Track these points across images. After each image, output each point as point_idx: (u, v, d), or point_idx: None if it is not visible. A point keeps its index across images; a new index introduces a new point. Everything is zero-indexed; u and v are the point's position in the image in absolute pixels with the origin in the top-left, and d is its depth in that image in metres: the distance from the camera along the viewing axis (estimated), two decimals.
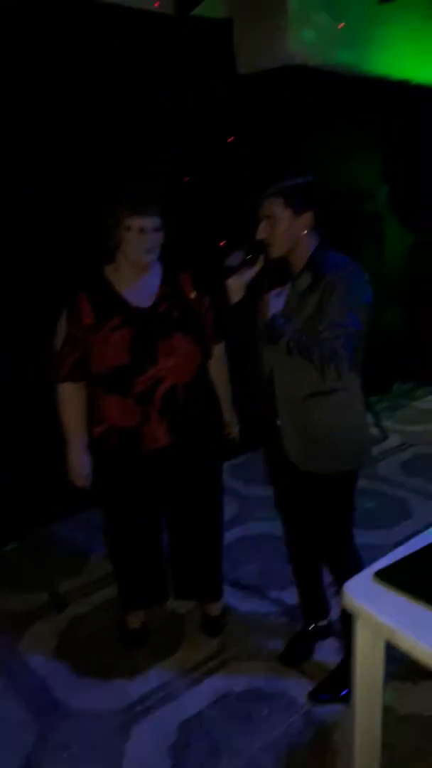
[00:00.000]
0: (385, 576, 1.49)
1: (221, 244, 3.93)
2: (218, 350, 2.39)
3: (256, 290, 1.97)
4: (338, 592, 2.15)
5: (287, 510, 2.32)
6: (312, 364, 1.79)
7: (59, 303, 2.19)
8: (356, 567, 2.13)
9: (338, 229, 4.55)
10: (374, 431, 4.42)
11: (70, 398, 2.23)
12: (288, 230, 1.92)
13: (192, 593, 2.61)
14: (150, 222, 2.06)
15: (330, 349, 1.77)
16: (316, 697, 2.17)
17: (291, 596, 2.67)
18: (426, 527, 3.31)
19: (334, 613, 2.44)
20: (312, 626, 2.42)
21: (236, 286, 1.92)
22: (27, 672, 2.44)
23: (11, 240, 3.16)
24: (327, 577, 2.41)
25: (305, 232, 1.95)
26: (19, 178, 3.11)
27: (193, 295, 2.00)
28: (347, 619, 2.03)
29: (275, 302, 1.89)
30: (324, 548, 2.25)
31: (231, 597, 2.74)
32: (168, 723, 2.13)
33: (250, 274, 1.92)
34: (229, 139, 4.01)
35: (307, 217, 1.94)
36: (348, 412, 2.03)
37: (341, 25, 3.80)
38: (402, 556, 1.58)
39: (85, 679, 2.37)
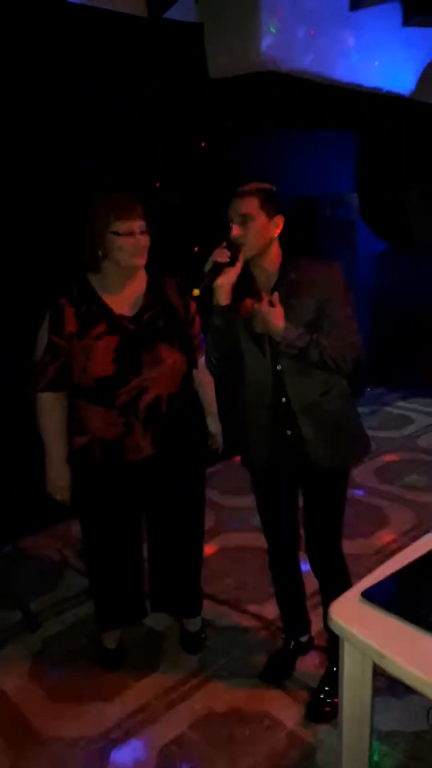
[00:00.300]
0: (372, 596, 1.45)
1: (195, 249, 3.89)
2: (204, 360, 2.34)
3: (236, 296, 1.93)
4: (326, 601, 2.12)
5: (280, 522, 2.26)
6: (329, 367, 1.87)
7: (44, 308, 2.13)
8: (346, 574, 2.18)
9: (310, 235, 4.57)
10: None
11: (51, 408, 2.16)
12: (262, 230, 1.89)
13: (170, 606, 2.55)
14: (138, 225, 2.02)
15: (350, 345, 1.88)
16: (313, 716, 2.14)
17: (270, 610, 2.64)
18: (402, 535, 3.35)
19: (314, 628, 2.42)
20: (293, 642, 2.38)
21: (226, 285, 1.86)
22: None
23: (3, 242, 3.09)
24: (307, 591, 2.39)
25: (276, 235, 1.94)
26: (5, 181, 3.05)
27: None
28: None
29: (276, 312, 1.84)
30: (320, 554, 2.22)
31: (209, 611, 2.69)
32: (148, 748, 2.06)
33: (234, 272, 1.87)
34: (201, 144, 3.98)
35: (279, 221, 1.93)
36: (350, 401, 2.10)
37: (312, 32, 3.80)
38: (387, 575, 1.54)
39: (60, 704, 2.29)
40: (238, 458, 2.25)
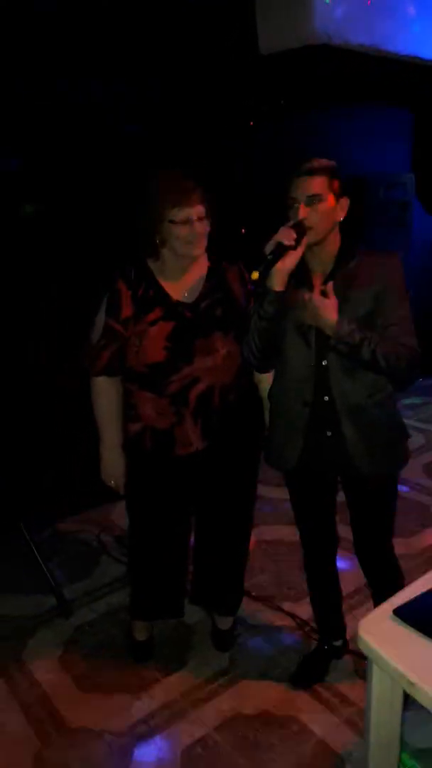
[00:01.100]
0: (405, 615, 1.35)
1: (242, 231, 3.79)
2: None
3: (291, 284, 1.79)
4: (377, 602, 1.98)
5: (315, 523, 2.17)
6: (379, 368, 1.74)
7: (94, 294, 2.09)
8: (398, 576, 2.10)
9: (359, 216, 4.39)
10: None
11: (105, 393, 2.12)
12: (330, 213, 1.76)
13: (209, 602, 2.49)
14: (195, 211, 1.93)
15: (406, 346, 1.75)
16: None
17: (305, 609, 2.55)
18: None
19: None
20: (326, 646, 2.29)
21: (285, 270, 1.72)
22: (30, 683, 2.35)
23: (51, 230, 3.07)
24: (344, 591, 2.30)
25: (340, 219, 1.81)
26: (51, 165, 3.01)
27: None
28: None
29: (328, 304, 1.72)
30: (369, 556, 2.13)
31: (242, 607, 2.61)
32: (172, 747, 2.02)
33: (296, 257, 1.72)
34: (250, 123, 3.85)
35: (344, 203, 1.80)
36: (395, 405, 1.96)
37: (369, 1, 3.58)
38: (424, 591, 1.43)
39: (88, 694, 2.28)
40: None
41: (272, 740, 2.02)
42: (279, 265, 1.71)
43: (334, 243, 1.83)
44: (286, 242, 1.69)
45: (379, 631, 1.32)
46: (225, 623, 2.48)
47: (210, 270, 2.09)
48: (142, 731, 2.10)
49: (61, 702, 2.25)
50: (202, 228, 1.95)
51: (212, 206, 1.98)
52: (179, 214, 1.91)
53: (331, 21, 3.37)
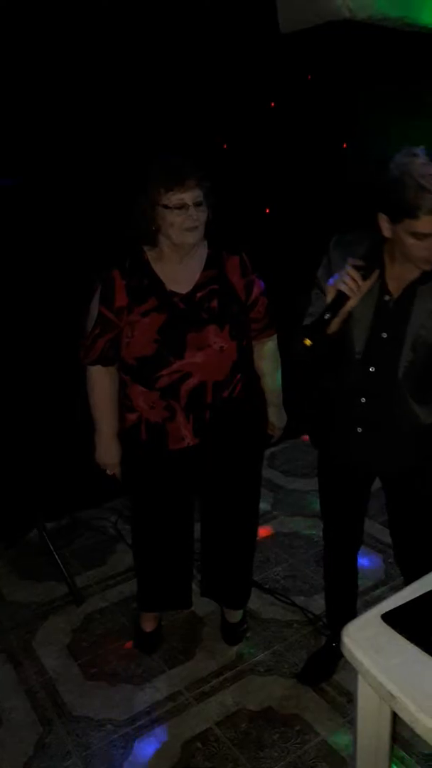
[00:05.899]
0: (394, 620, 1.28)
1: (267, 211, 3.69)
2: (270, 344, 2.18)
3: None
4: None
5: (348, 523, 2.09)
6: None
7: (90, 283, 2.03)
8: None
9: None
10: None
11: (101, 382, 2.08)
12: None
13: (216, 594, 2.46)
14: (190, 196, 1.85)
15: None
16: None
17: (318, 605, 2.50)
18: None
19: None
20: (335, 643, 2.23)
21: (344, 314, 1.62)
22: (37, 669, 2.37)
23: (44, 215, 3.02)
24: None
25: (386, 236, 1.64)
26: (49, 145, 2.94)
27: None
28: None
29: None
30: (413, 555, 2.02)
31: (254, 600, 2.58)
32: (172, 740, 2.00)
33: (356, 300, 1.61)
34: (271, 105, 3.73)
35: (380, 219, 1.62)
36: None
37: None
38: (420, 595, 1.35)
39: (93, 682, 2.28)
40: (305, 438, 2.06)
41: (274, 738, 1.98)
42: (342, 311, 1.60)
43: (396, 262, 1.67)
44: (347, 291, 1.56)
45: (364, 637, 1.25)
46: (234, 616, 2.44)
47: (209, 259, 2.01)
48: (144, 722, 2.09)
49: (65, 689, 2.26)
50: (199, 215, 1.87)
51: (211, 193, 1.90)
52: (173, 198, 1.83)
53: None
